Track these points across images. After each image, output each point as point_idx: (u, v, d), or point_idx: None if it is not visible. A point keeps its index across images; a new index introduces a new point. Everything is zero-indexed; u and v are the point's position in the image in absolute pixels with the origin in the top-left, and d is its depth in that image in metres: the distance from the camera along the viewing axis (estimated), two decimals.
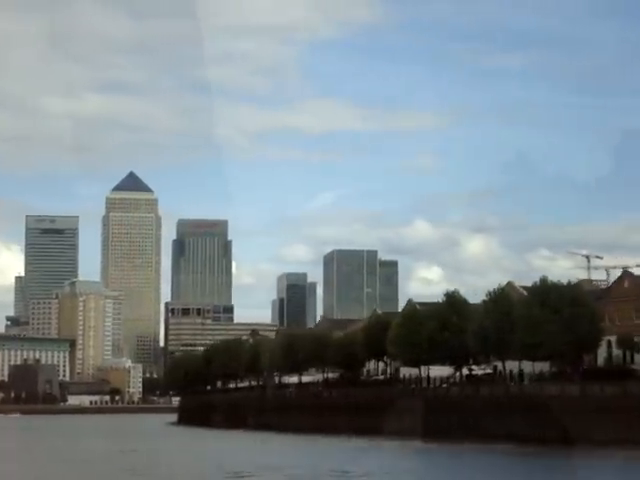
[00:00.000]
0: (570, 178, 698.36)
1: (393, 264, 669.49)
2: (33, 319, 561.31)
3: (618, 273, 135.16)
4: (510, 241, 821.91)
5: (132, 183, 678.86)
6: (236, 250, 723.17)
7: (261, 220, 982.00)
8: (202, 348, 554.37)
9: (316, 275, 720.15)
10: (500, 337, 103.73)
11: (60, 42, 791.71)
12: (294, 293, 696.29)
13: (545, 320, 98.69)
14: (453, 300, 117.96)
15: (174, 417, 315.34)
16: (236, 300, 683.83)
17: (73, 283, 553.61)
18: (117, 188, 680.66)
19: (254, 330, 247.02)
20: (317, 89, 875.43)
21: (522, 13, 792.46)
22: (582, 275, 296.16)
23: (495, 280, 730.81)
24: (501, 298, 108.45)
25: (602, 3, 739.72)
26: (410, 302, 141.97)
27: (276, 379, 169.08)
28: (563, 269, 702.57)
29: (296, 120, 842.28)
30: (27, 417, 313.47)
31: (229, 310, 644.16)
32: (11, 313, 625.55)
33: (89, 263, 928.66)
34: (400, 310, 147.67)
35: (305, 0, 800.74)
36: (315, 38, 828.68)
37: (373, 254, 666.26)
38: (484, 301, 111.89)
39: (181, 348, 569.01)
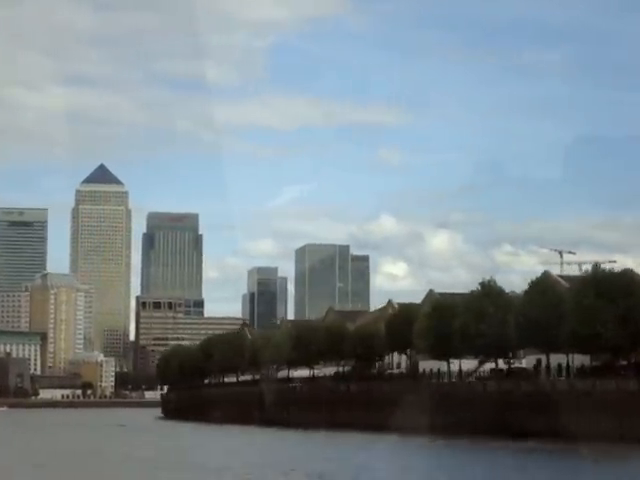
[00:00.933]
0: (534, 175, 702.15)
1: (364, 259, 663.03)
2: (2, 312, 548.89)
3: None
4: (474, 237, 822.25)
5: (102, 175, 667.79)
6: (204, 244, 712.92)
7: (227, 214, 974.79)
8: (174, 342, 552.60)
9: (285, 269, 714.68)
10: (547, 329, 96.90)
11: (25, 34, 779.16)
12: (265, 287, 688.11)
13: (601, 310, 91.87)
14: (489, 290, 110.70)
15: (153, 411, 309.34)
16: (205, 294, 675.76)
17: (44, 275, 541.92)
18: (87, 180, 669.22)
19: (244, 323, 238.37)
20: (284, 84, 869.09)
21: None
22: (554, 270, 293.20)
23: (458, 275, 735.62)
24: (547, 288, 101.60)
25: None
26: (432, 292, 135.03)
27: (281, 373, 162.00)
28: (527, 265, 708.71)
29: (263, 115, 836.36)
30: (15, 411, 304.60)
31: (199, 304, 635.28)
32: None
33: (58, 256, 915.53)
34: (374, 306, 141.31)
35: None
36: (283, 33, 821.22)
37: (345, 249, 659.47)
38: (526, 291, 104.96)
39: (152, 342, 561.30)
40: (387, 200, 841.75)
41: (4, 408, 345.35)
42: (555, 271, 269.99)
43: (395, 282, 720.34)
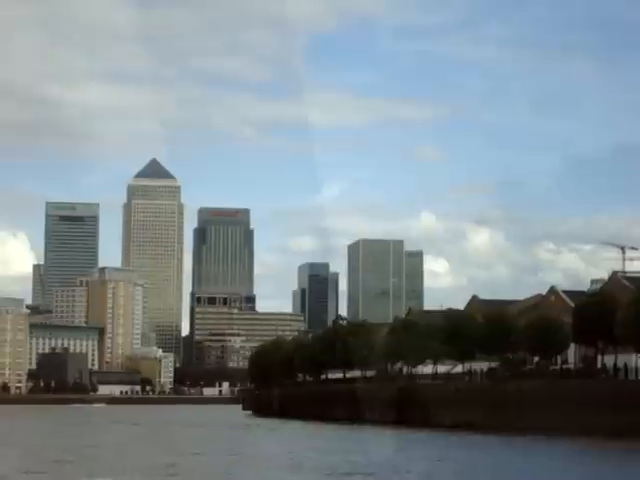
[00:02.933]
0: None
1: (418, 254, 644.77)
2: (57, 307, 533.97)
3: None
4: (515, 234, 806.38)
5: (154, 170, 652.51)
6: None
7: (268, 210, 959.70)
8: (232, 338, 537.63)
9: (334, 266, 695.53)
10: None
11: (62, 31, 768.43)
12: (316, 283, 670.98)
13: None
14: None
15: (228, 408, 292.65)
16: (255, 290, 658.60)
17: (102, 270, 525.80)
18: (139, 175, 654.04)
19: (339, 316, 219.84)
20: (321, 80, 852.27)
21: None
22: (616, 267, 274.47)
23: (500, 273, 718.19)
24: None
25: None
26: (614, 275, 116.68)
27: (405, 369, 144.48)
28: (569, 262, 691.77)
29: (301, 111, 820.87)
30: (113, 407, 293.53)
31: (251, 300, 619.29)
32: (28, 301, 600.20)
33: (109, 251, 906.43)
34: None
35: None
36: (320, 29, 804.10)
37: (399, 244, 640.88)
38: None
39: (209, 337, 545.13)
40: (425, 196, 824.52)
41: (102, 404, 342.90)
42: (617, 267, 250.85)
43: (437, 279, 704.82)
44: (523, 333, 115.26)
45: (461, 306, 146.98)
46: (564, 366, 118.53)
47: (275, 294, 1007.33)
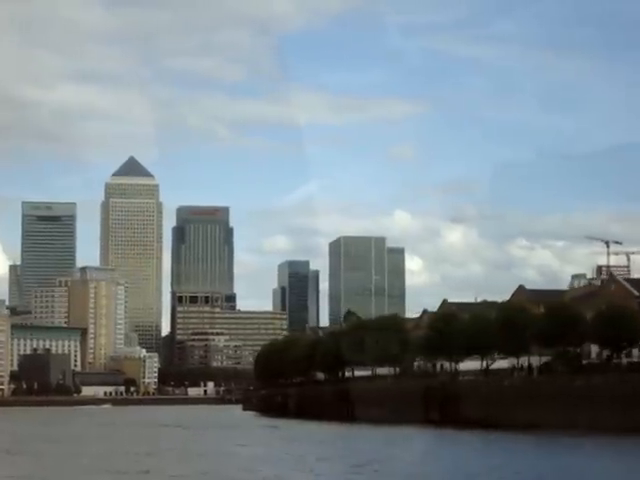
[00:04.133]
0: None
1: (400, 251, 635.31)
2: (36, 308, 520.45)
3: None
4: (489, 231, 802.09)
5: (132, 169, 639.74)
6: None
7: (242, 210, 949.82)
8: (214, 337, 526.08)
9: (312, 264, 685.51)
10: None
11: (35, 31, 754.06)
12: (296, 282, 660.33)
13: None
14: None
15: (225, 408, 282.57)
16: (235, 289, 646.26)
17: (83, 269, 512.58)
18: (117, 174, 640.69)
19: (349, 311, 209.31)
20: (295, 80, 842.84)
21: None
22: (601, 261, 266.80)
23: (474, 271, 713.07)
24: None
25: None
26: None
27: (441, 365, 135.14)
28: (543, 259, 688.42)
29: (274, 110, 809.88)
30: (119, 408, 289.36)
31: (232, 299, 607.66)
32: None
33: (87, 251, 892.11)
34: None
35: None
36: (292, 28, 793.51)
37: (381, 241, 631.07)
38: None
39: (191, 337, 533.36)
40: (401, 195, 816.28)
41: (108, 405, 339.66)
42: (601, 261, 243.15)
43: (412, 277, 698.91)
44: (591, 323, 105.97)
45: (437, 304, 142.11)
46: (628, 359, 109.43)
47: (253, 293, 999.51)
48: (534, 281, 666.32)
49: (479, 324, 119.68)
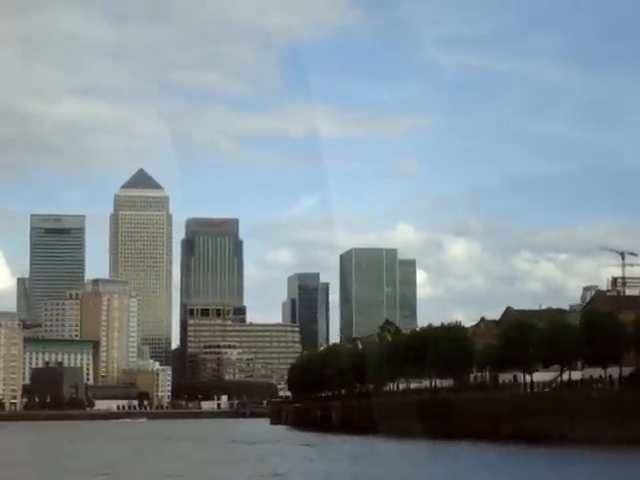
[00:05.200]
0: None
1: (411, 263, 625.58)
2: (46, 321, 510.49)
3: None
4: (492, 245, 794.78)
5: (141, 180, 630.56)
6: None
7: (249, 224, 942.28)
8: (229, 350, 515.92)
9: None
10: None
11: (38, 46, 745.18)
12: (306, 294, 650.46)
13: None
14: None
15: (247, 422, 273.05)
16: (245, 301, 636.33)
17: (95, 281, 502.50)
18: (126, 186, 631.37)
19: (388, 321, 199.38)
20: (299, 93, 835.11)
21: None
22: (615, 273, 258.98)
23: (478, 284, 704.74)
24: None
25: None
26: None
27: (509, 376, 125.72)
28: (547, 272, 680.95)
29: (277, 124, 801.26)
30: (154, 422, 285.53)
31: (241, 311, 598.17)
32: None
33: (97, 263, 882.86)
34: None
35: (286, 4, 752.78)
36: (296, 42, 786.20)
37: (392, 253, 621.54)
38: None
39: (203, 350, 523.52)
40: (404, 209, 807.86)
41: (144, 419, 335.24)
42: (616, 273, 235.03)
43: (416, 290, 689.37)
44: None
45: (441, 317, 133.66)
46: None
47: (261, 306, 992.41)
48: (538, 294, 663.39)
49: (560, 331, 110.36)
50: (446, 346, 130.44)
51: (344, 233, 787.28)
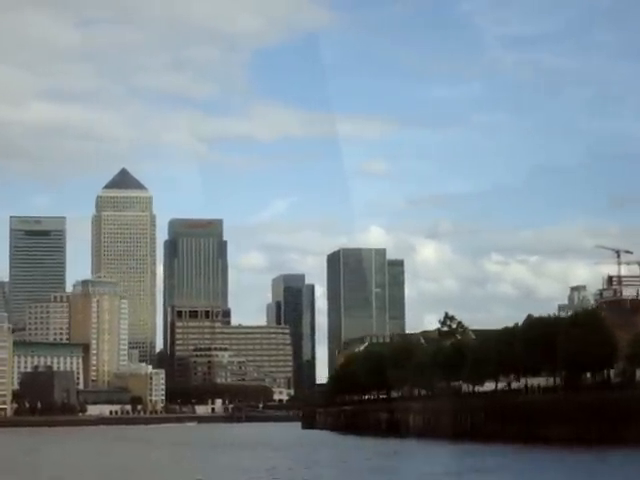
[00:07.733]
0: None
1: (400, 263, 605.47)
2: (30, 324, 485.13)
3: None
4: (462, 247, 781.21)
5: (124, 181, 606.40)
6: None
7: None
8: (220, 352, 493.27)
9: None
10: None
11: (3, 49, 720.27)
12: (291, 296, 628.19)
13: None
14: None
15: (263, 427, 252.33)
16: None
17: (85, 282, 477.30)
18: (108, 186, 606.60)
19: (448, 315, 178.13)
20: (265, 95, 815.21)
21: None
22: (611, 271, 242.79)
23: (449, 286, 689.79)
24: None
25: None
26: None
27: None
28: (518, 273, 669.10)
29: (246, 126, 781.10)
30: (204, 426, 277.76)
31: (226, 314, 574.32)
32: None
33: (78, 266, 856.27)
34: None
35: (251, 6, 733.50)
36: (262, 44, 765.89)
37: (381, 252, 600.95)
38: None
39: (193, 353, 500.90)
40: (375, 211, 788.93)
41: (193, 423, 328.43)
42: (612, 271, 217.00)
43: None
44: None
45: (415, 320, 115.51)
46: None
47: (247, 308, 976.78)
48: (510, 296, 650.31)
49: None
50: (581, 336, 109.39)
51: (315, 236, 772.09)
